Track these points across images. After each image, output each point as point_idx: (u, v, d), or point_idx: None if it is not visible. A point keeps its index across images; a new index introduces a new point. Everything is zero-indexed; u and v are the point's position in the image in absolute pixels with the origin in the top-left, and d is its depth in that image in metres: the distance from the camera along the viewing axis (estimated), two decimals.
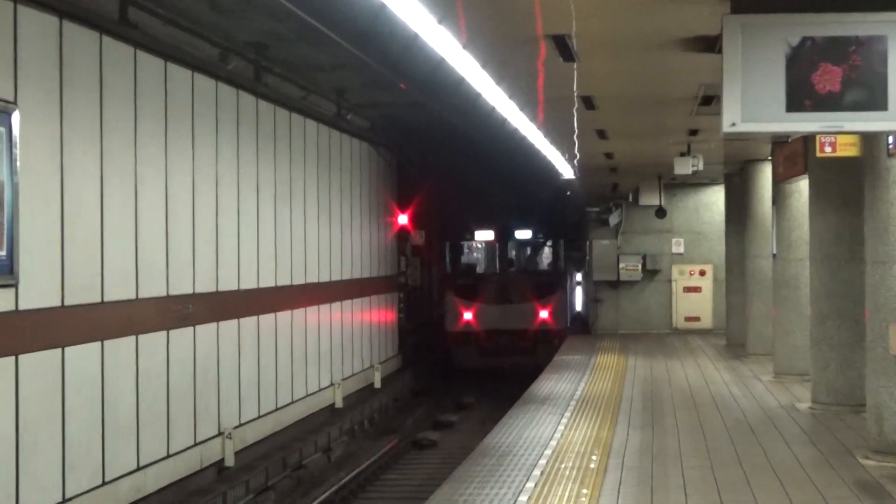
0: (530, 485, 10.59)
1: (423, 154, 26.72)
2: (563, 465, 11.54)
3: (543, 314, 28.53)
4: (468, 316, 28.46)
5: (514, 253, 31.49)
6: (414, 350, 27.15)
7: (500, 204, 30.58)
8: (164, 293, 12.73)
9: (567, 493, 10.22)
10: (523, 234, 30.67)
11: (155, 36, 12.44)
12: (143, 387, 12.15)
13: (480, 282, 29.56)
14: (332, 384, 19.48)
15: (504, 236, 30.27)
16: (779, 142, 18.39)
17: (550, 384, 18.98)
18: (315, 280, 18.67)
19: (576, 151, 17.66)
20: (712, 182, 29.49)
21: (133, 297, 11.98)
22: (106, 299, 11.36)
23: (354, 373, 21.16)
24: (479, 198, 30.71)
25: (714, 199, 30.13)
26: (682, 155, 19.43)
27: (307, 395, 18.10)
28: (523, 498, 10.03)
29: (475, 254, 34.55)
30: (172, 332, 12.92)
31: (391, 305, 24.74)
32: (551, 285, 29.27)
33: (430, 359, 28.90)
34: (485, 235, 30.27)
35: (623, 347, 25.87)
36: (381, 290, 23.60)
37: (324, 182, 19.25)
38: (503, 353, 28.10)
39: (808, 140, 15.25)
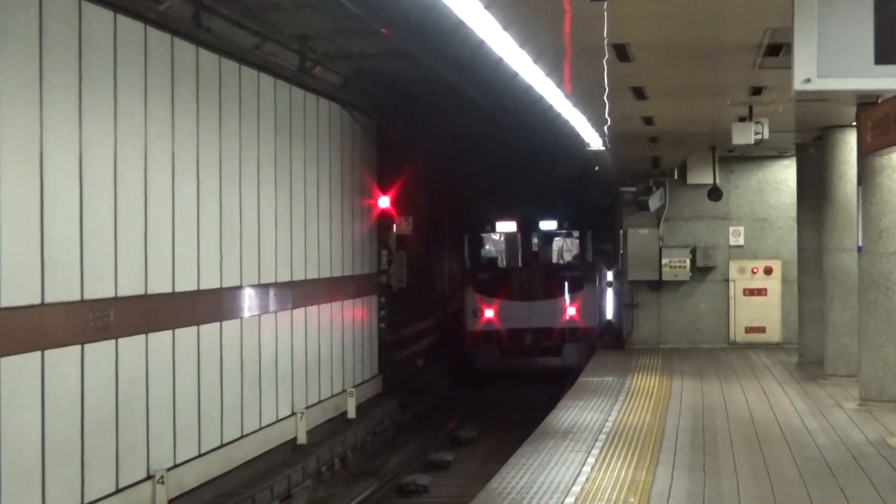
0: None
1: (411, 119, 26.67)
2: None
3: (571, 311, 31.60)
4: (489, 314, 31.63)
5: (537, 244, 34.44)
6: (401, 366, 27.19)
7: (518, 186, 32.64)
8: (77, 297, 12.69)
9: None
10: (548, 225, 33.65)
11: None
12: (51, 417, 12.10)
13: (502, 277, 32.87)
14: (293, 414, 19.47)
15: (527, 227, 33.24)
16: (866, 103, 18.38)
17: (573, 413, 18.97)
18: (272, 280, 18.65)
19: (606, 115, 17.64)
20: (781, 155, 29.50)
21: (37, 301, 11.93)
22: (2, 304, 11.32)
23: (322, 399, 21.15)
24: (491, 179, 32.51)
25: (783, 176, 30.13)
26: (742, 120, 19.44)
27: (262, 428, 18.09)
28: None
29: (490, 245, 36.86)
30: (88, 347, 12.88)
31: (369, 312, 24.74)
32: (579, 279, 32.20)
33: (419, 376, 29.00)
34: (506, 226, 33.54)
35: (666, 366, 25.88)
36: (356, 293, 23.59)
37: (283, 154, 19.22)
38: (527, 353, 31.31)
39: None
